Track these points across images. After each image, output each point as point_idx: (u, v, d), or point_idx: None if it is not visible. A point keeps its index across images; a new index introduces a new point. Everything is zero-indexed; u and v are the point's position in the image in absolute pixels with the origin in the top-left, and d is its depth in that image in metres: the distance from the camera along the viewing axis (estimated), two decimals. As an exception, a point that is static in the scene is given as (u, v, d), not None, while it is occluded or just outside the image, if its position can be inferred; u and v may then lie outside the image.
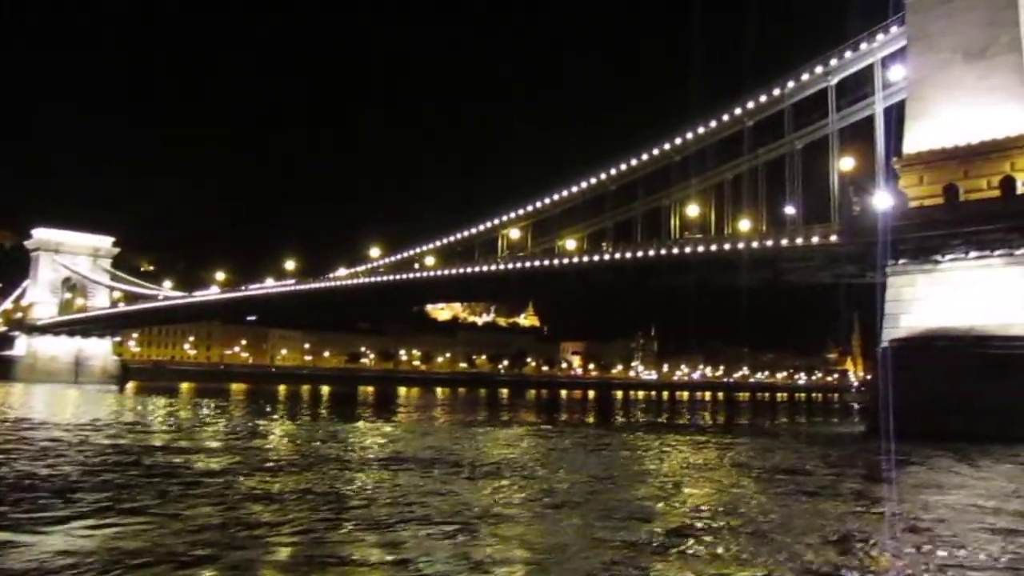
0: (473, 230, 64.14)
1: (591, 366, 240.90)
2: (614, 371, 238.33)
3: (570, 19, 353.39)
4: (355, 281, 72.55)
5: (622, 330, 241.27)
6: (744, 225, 49.50)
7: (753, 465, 23.10)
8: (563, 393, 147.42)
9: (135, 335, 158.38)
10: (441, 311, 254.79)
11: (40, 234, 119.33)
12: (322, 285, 76.91)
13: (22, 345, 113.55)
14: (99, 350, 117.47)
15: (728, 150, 51.49)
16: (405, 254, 69.97)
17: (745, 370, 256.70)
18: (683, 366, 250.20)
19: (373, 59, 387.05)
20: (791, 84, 47.99)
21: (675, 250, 50.71)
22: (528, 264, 58.24)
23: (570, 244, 58.43)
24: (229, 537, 11.24)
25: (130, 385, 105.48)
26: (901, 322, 39.69)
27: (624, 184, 56.16)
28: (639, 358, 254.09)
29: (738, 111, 50.06)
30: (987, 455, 26.66)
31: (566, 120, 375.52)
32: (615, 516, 13.58)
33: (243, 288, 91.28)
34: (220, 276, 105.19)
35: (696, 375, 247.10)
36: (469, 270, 61.89)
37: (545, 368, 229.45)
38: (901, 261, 40.16)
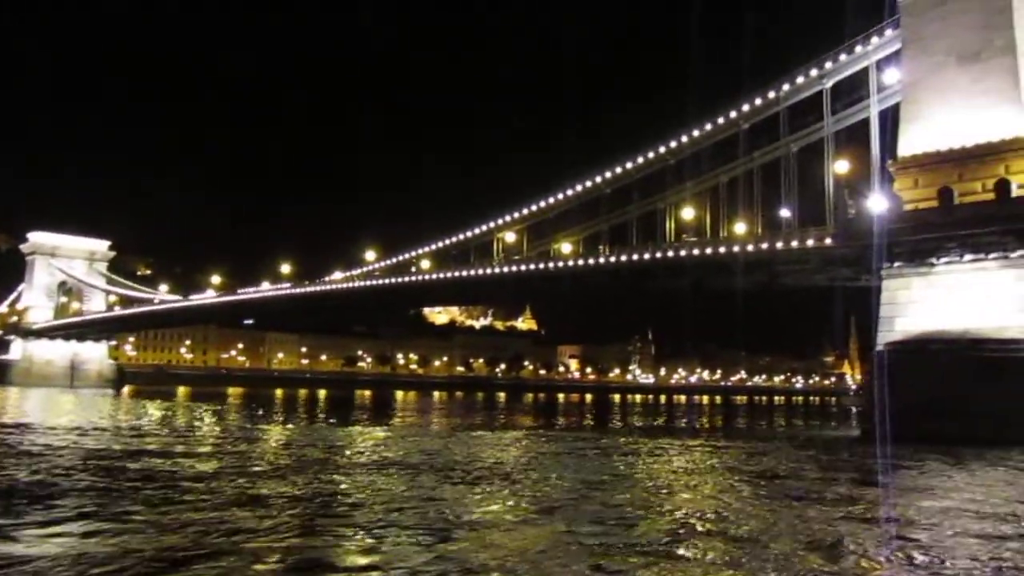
0: (469, 233, 64.03)
1: (588, 370, 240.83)
2: (611, 375, 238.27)
3: (569, 20, 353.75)
4: (350, 284, 72.42)
5: (619, 334, 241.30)
6: (739, 228, 49.42)
7: (744, 469, 22.99)
8: (560, 397, 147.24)
9: (131, 339, 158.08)
10: (438, 315, 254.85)
11: (36, 237, 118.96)
12: (317, 288, 76.75)
13: (17, 349, 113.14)
14: (95, 354, 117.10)
15: (723, 153, 51.50)
16: (401, 257, 69.86)
17: (742, 373, 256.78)
18: (680, 369, 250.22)
19: (372, 61, 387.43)
20: (786, 87, 47.95)
21: (670, 253, 50.65)
22: (523, 267, 58.16)
23: (566, 247, 58.35)
24: (205, 543, 11.08)
25: (126, 389, 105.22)
26: (896, 325, 39.61)
27: (620, 187, 56.10)
28: (636, 361, 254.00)
29: (733, 114, 50.02)
30: (981, 459, 26.56)
31: (565, 120, 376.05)
32: (600, 521, 13.44)
33: (239, 291, 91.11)
34: (216, 280, 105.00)
35: (693, 379, 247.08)
36: (464, 273, 61.80)
37: (542, 372, 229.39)
38: (896, 264, 40.10)
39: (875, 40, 44.91)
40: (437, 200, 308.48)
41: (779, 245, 46.04)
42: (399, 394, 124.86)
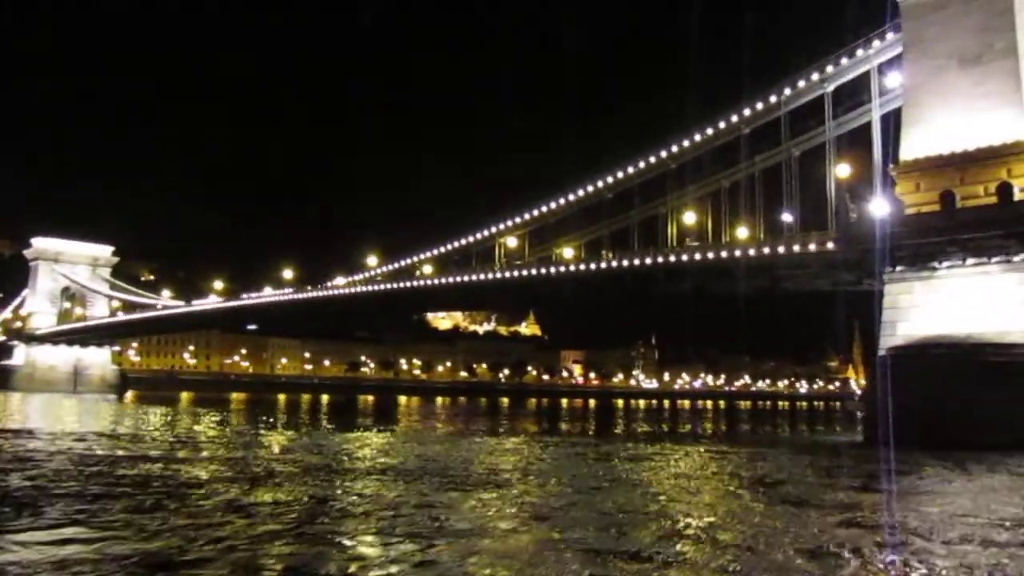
0: (470, 238, 63.88)
1: (592, 375, 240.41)
2: (615, 380, 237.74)
3: (569, 20, 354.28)
4: (353, 290, 72.40)
5: (622, 339, 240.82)
6: (741, 233, 49.24)
7: (743, 475, 22.84)
8: (564, 402, 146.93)
9: (135, 344, 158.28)
10: (442, 320, 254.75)
11: (39, 243, 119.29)
12: (320, 294, 76.72)
13: (21, 354, 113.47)
14: (98, 359, 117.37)
15: (725, 157, 51.35)
16: (402, 263, 69.77)
17: (746, 378, 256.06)
18: (684, 375, 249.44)
19: (372, 61, 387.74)
20: (787, 91, 47.81)
21: (672, 258, 50.50)
22: (525, 272, 58.08)
23: (567, 252, 58.20)
24: (190, 550, 10.97)
25: (129, 394, 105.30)
26: (899, 330, 39.42)
27: (621, 192, 55.97)
28: (640, 367, 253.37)
29: (735, 118, 49.87)
30: (983, 463, 26.37)
31: (565, 120, 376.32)
32: (593, 527, 13.32)
33: (241, 297, 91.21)
34: (218, 285, 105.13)
35: (697, 384, 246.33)
36: (466, 278, 61.71)
37: (546, 377, 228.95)
38: (898, 268, 39.93)
39: (876, 43, 44.76)
40: (438, 200, 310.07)
41: (781, 249, 45.87)
42: (402, 399, 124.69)
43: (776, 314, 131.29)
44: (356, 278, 73.32)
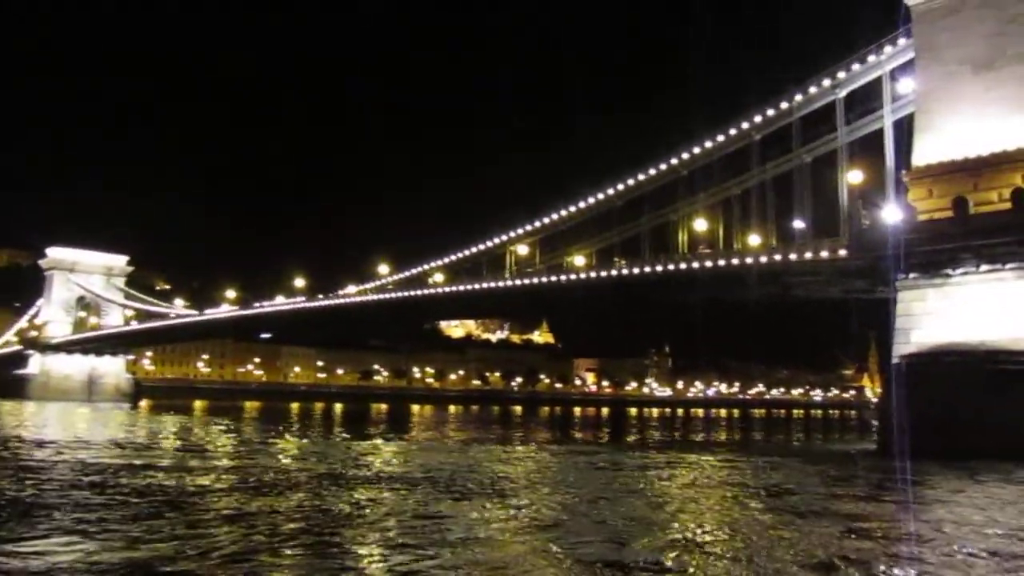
0: (481, 246, 63.81)
1: (605, 383, 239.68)
2: (628, 388, 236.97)
3: (570, 19, 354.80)
4: (364, 298, 72.48)
5: (636, 347, 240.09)
6: (752, 240, 48.93)
7: (752, 484, 22.59)
8: (576, 410, 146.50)
9: (149, 353, 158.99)
10: (454, 328, 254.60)
11: (54, 253, 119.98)
12: (331, 302, 76.86)
13: (36, 364, 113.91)
14: (112, 368, 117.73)
15: (736, 164, 51.06)
16: (413, 271, 69.78)
17: (760, 387, 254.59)
18: (697, 383, 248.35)
19: (372, 61, 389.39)
20: (799, 97, 47.49)
21: (682, 265, 50.20)
22: (535, 280, 57.92)
23: (578, 260, 58.03)
24: (176, 560, 10.88)
25: (143, 403, 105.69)
26: (912, 337, 38.98)
27: (632, 199, 55.79)
28: (653, 375, 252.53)
29: (745, 125, 49.59)
30: (996, 473, 25.98)
31: (566, 120, 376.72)
32: (595, 537, 13.19)
33: (253, 306, 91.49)
34: (231, 294, 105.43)
35: (711, 392, 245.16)
36: (476, 286, 61.62)
37: (558, 385, 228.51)
38: (911, 275, 39.50)
39: (888, 49, 44.42)
40: (445, 205, 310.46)
41: (792, 257, 45.49)
42: (415, 408, 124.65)
43: (790, 322, 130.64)
44: (367, 286, 73.36)
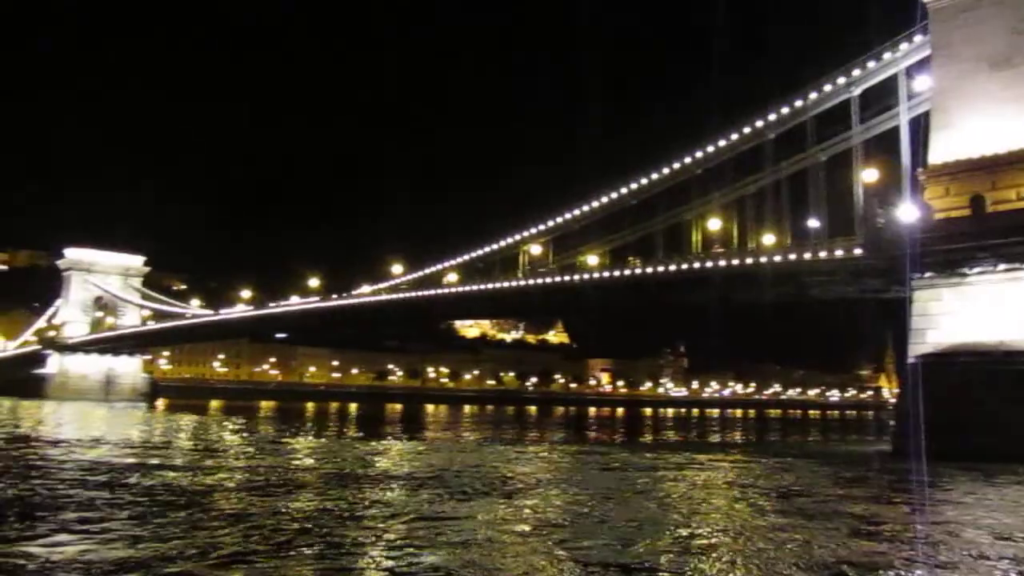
0: (494, 246, 63.78)
1: (620, 383, 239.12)
2: (643, 388, 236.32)
3: (589, 17, 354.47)
4: (377, 298, 72.63)
5: (651, 347, 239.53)
6: (767, 239, 48.57)
7: (762, 485, 22.34)
8: (591, 411, 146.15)
9: (166, 353, 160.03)
10: (469, 329, 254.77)
11: (72, 254, 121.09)
12: (345, 302, 77.08)
13: (54, 363, 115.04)
14: (129, 368, 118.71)
15: (750, 163, 50.71)
16: (426, 271, 69.85)
17: (776, 387, 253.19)
18: (713, 383, 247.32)
19: (391, 70, 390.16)
20: (813, 95, 47.07)
21: (696, 265, 49.91)
22: (548, 280, 57.77)
23: (592, 260, 57.85)
24: (176, 559, 10.83)
25: (160, 402, 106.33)
26: (928, 337, 38.54)
27: (646, 198, 55.53)
28: (668, 375, 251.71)
29: (760, 123, 49.24)
30: (1013, 475, 25.63)
31: (583, 120, 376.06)
32: (600, 538, 13.07)
33: (268, 306, 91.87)
34: (246, 294, 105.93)
35: (726, 392, 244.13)
36: (488, 286, 61.55)
37: (573, 385, 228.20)
38: (927, 275, 39.04)
39: (904, 46, 43.96)
40: (456, 203, 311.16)
41: (807, 256, 45.10)
42: (429, 408, 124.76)
43: (806, 322, 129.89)
44: (381, 286, 73.54)
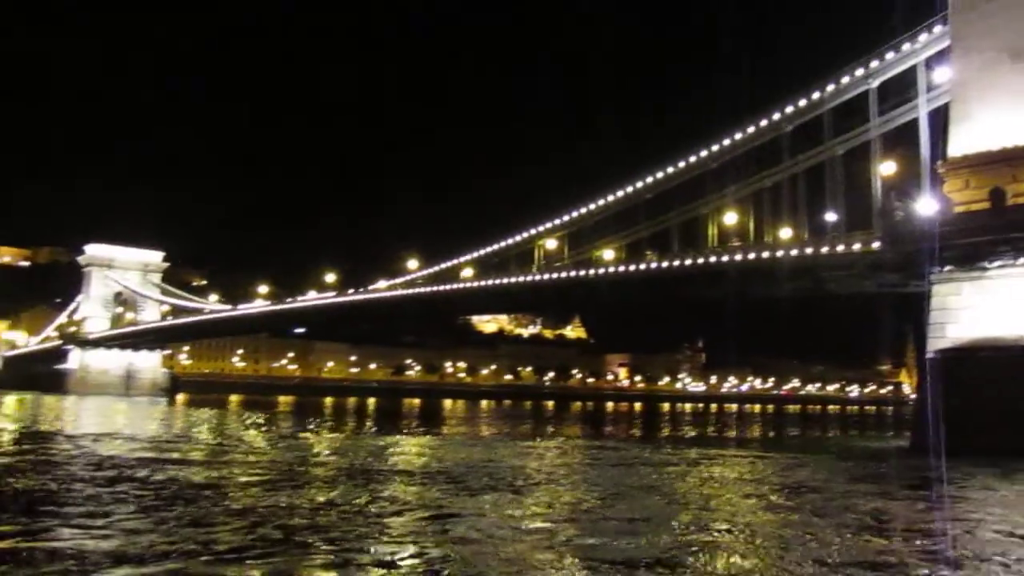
0: (509, 241, 63.78)
1: (637, 378, 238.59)
2: (660, 383, 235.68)
3: (603, 11, 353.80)
4: (393, 293, 72.82)
5: (669, 342, 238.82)
6: (783, 233, 48.18)
7: (774, 481, 22.15)
8: (609, 406, 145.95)
9: (185, 348, 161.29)
10: (486, 324, 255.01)
11: (92, 250, 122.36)
12: (361, 297, 77.36)
13: (75, 358, 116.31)
14: (149, 363, 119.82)
15: (766, 156, 50.30)
16: (442, 266, 69.94)
17: (795, 382, 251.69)
18: (731, 378, 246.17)
19: (407, 66, 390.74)
20: (831, 87, 46.61)
21: (712, 259, 49.62)
22: (562, 275, 57.68)
23: (607, 254, 57.65)
24: (172, 556, 10.82)
25: (180, 397, 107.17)
26: (947, 332, 38.07)
27: (661, 192, 55.26)
28: (686, 370, 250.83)
29: (776, 116, 48.83)
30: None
31: (598, 115, 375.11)
32: (603, 532, 12.98)
33: (285, 301, 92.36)
34: (263, 289, 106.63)
35: (744, 387, 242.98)
36: (503, 281, 61.54)
37: (590, 380, 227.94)
38: (946, 268, 38.56)
39: (923, 37, 43.39)
40: (471, 198, 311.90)
41: (824, 250, 44.73)
42: (447, 403, 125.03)
43: (825, 317, 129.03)
44: (397, 281, 73.73)
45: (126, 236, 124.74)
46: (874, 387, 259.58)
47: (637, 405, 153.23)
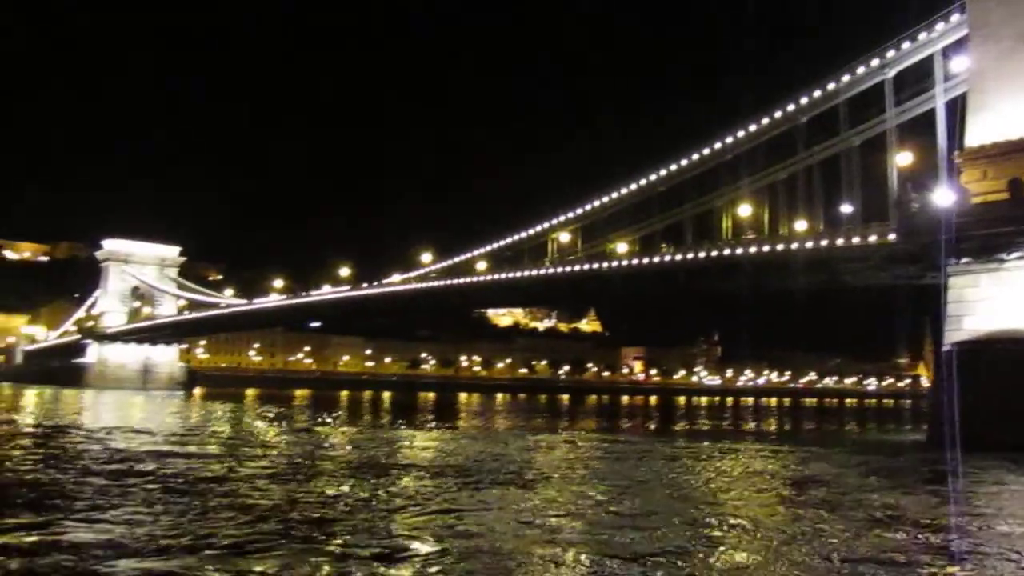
0: (523, 234, 63.68)
1: (653, 372, 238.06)
2: (676, 377, 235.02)
3: (603, 15, 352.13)
4: (407, 287, 72.93)
5: (684, 335, 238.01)
6: (799, 226, 47.78)
7: (785, 475, 21.95)
8: (624, 399, 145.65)
9: (202, 343, 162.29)
10: (502, 317, 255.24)
11: (109, 245, 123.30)
12: (375, 291, 77.51)
13: (93, 353, 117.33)
14: (166, 357, 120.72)
15: (781, 148, 49.91)
16: (456, 259, 69.95)
17: (812, 375, 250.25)
18: (748, 371, 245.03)
19: (414, 53, 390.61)
20: (846, 78, 46.09)
21: (726, 251, 49.28)
22: (575, 268, 57.50)
23: (620, 247, 57.44)
24: (171, 550, 10.81)
25: (197, 391, 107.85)
26: (964, 324, 37.65)
27: (675, 185, 54.95)
28: (702, 363, 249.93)
29: (791, 107, 48.39)
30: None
31: (611, 108, 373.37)
32: (605, 527, 12.89)
33: (300, 295, 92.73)
34: (278, 284, 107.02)
35: (761, 381, 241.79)
36: (516, 274, 61.48)
37: (606, 374, 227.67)
38: (963, 260, 38.09)
39: (940, 26, 42.78)
40: (484, 192, 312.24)
41: (839, 242, 44.33)
42: (462, 396, 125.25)
43: (842, 310, 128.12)
44: (411, 275, 73.85)
45: (143, 231, 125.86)
46: (892, 380, 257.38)
47: (652, 399, 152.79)
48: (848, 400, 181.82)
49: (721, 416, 78.85)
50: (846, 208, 46.02)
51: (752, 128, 50.17)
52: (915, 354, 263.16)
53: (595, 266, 56.19)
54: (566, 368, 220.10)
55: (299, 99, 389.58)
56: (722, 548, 11.83)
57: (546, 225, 62.05)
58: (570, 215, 60.68)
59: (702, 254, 50.41)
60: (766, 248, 47.50)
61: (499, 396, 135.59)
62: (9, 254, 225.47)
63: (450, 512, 14.37)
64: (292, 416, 52.15)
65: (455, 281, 67.33)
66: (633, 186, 56.38)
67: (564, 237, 61.41)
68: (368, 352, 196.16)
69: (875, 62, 44.93)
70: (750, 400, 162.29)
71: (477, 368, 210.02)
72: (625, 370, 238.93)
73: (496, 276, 63.38)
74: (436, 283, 69.49)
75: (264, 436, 34.19)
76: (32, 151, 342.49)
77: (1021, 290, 35.90)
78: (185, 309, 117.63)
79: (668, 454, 29.06)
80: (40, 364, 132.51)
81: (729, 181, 51.54)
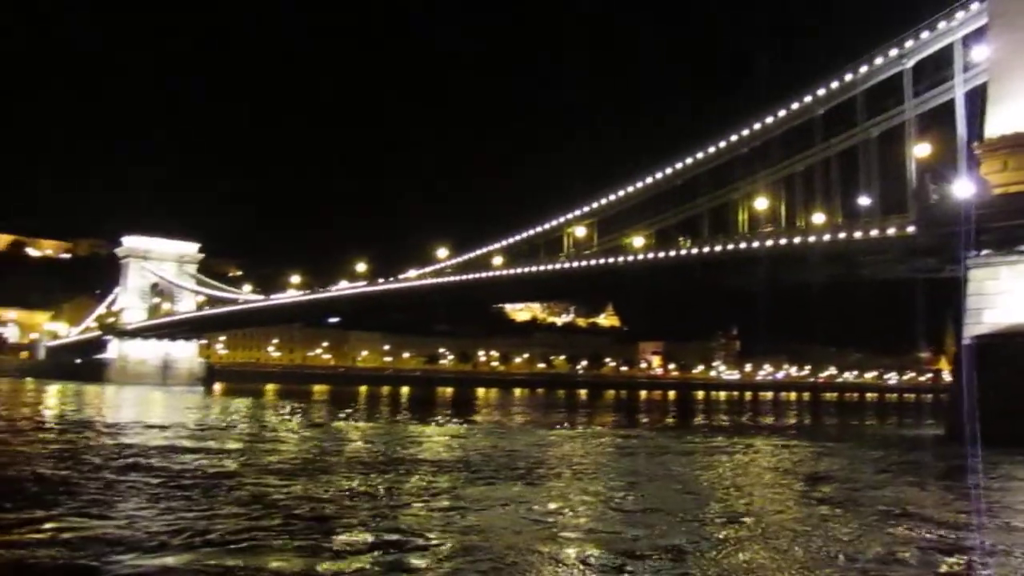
0: (539, 228, 63.42)
1: (671, 366, 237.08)
2: (695, 371, 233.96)
3: (603, 15, 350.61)
4: (423, 282, 72.91)
5: (702, 330, 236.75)
6: (816, 218, 47.29)
7: (798, 470, 21.72)
8: (642, 394, 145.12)
9: (222, 338, 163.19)
10: (520, 312, 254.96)
11: (129, 242, 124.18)
12: (391, 286, 77.60)
13: (114, 349, 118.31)
14: (186, 353, 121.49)
15: (799, 140, 49.35)
16: (472, 254, 69.83)
17: (832, 370, 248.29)
18: (766, 366, 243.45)
19: (423, 49, 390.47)
20: (864, 68, 45.50)
21: (743, 245, 48.87)
22: (591, 263, 57.23)
23: (637, 241, 57.08)
24: (169, 546, 10.82)
25: (217, 387, 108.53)
26: (983, 318, 37.15)
27: (692, 178, 54.52)
28: (720, 358, 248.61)
29: (808, 99, 47.85)
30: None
31: (627, 102, 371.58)
32: (611, 522, 12.78)
33: (318, 290, 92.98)
34: (296, 279, 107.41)
35: (780, 375, 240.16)
36: (532, 269, 61.24)
37: (624, 368, 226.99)
38: (983, 252, 37.57)
39: (960, 15, 42.09)
40: (500, 187, 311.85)
41: (857, 234, 43.78)
42: (480, 391, 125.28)
43: (862, 304, 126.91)
44: (426, 270, 73.78)
45: (162, 228, 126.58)
46: (913, 374, 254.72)
47: (671, 393, 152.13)
48: (869, 395, 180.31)
49: (739, 411, 78.36)
50: (864, 200, 45.48)
51: (769, 120, 49.64)
52: (937, 348, 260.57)
53: (611, 260, 55.90)
54: (584, 363, 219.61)
55: (286, 103, 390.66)
56: (722, 547, 11.68)
57: (561, 220, 61.73)
58: (585, 209, 60.31)
59: (719, 247, 50.01)
60: (783, 241, 47.04)
61: (517, 391, 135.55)
62: (32, 251, 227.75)
63: (456, 508, 14.32)
64: (312, 412, 52.33)
65: (470, 276, 67.20)
66: (649, 180, 55.96)
67: (580, 231, 61.10)
68: (386, 347, 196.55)
69: (893, 52, 44.28)
70: (769, 395, 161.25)
71: (495, 363, 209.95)
72: (643, 365, 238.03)
73: (512, 271, 63.16)
74: (452, 278, 69.39)
75: (281, 431, 34.31)
76: (43, 150, 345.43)
77: (1042, 283, 35.38)
78: (204, 305, 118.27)
79: (682, 449, 28.90)
80: (62, 360, 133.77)
81: (746, 174, 51.07)
